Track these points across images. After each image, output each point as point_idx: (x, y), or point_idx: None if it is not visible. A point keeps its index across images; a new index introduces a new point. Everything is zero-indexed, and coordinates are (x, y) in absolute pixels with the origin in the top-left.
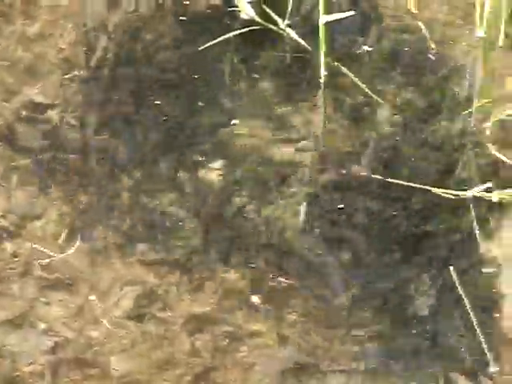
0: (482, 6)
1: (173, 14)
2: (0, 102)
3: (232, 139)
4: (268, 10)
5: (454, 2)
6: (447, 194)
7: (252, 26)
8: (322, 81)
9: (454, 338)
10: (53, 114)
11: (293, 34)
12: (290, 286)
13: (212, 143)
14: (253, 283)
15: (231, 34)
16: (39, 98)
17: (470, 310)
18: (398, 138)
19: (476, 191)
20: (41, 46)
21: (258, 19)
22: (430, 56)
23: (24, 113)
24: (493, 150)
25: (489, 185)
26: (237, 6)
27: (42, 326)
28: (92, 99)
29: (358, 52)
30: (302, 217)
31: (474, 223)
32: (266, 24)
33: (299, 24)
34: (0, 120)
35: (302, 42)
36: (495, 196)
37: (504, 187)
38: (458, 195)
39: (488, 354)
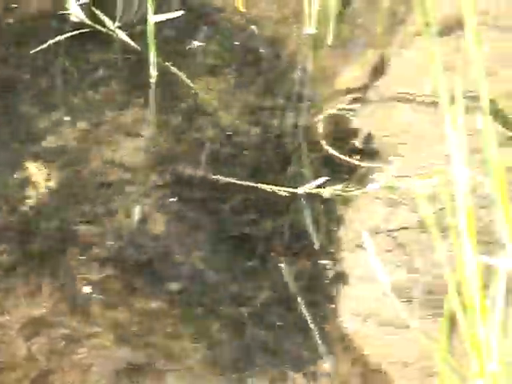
0: (311, 4)
1: (1, 18)
2: None
3: (65, 141)
4: (98, 12)
5: (283, 0)
6: (280, 190)
7: (83, 28)
8: (152, 81)
9: (290, 335)
10: None
11: (123, 35)
12: (126, 285)
13: (45, 147)
14: (90, 284)
15: (61, 37)
16: None
17: (303, 306)
18: (232, 137)
19: (308, 188)
20: None
21: (88, 22)
22: (261, 54)
23: None
24: (324, 145)
25: (321, 180)
26: (67, 9)
27: None
28: None
29: (188, 48)
30: (136, 217)
31: (307, 219)
32: (96, 26)
33: (130, 25)
34: None
35: (132, 43)
36: (327, 192)
37: (336, 182)
38: (290, 192)
39: (323, 349)
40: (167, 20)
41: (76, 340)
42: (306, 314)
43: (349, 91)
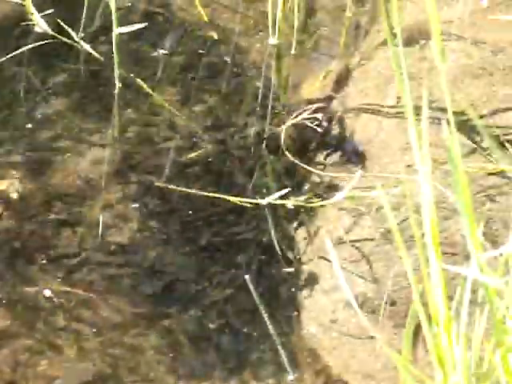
0: (274, 14)
1: None
2: None
3: (27, 151)
4: (62, 23)
5: (246, 10)
6: (244, 202)
7: (46, 39)
8: (116, 92)
9: (253, 346)
10: None
11: (86, 46)
12: (89, 299)
13: (6, 157)
14: (53, 295)
15: (25, 49)
16: None
17: (266, 317)
18: (195, 147)
19: (272, 198)
20: None
21: (51, 32)
22: (224, 64)
23: None
24: (288, 155)
25: (285, 191)
26: (31, 20)
27: None
28: None
29: (152, 59)
30: (100, 227)
31: (271, 230)
32: (59, 37)
33: (93, 36)
34: None
35: (96, 54)
36: (291, 202)
37: (300, 193)
38: (254, 203)
39: (286, 360)
40: (131, 31)
41: (40, 352)
42: (270, 325)
43: (312, 101)
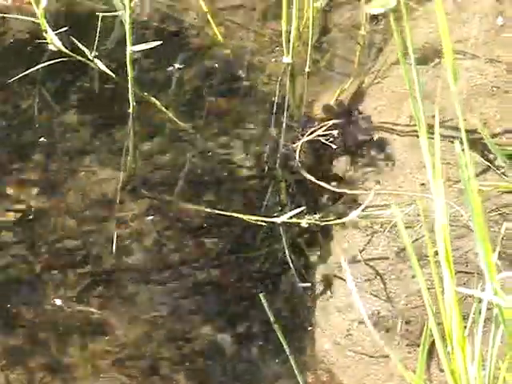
0: (288, 32)
1: None
2: None
3: (42, 170)
4: (76, 41)
5: (260, 29)
6: (258, 221)
7: (60, 57)
8: (130, 111)
9: (267, 365)
10: None
11: (101, 65)
12: (103, 317)
13: (23, 174)
14: (68, 313)
15: (39, 67)
16: None
17: (281, 336)
18: (210, 165)
19: (287, 217)
20: None
21: (66, 51)
22: (239, 82)
23: None
24: (303, 172)
25: (300, 210)
26: (45, 38)
27: None
28: None
29: (166, 77)
30: (114, 245)
31: (286, 249)
32: (74, 55)
33: (108, 55)
34: None
35: (110, 73)
36: (305, 222)
37: (315, 210)
38: (269, 222)
39: (301, 380)
40: (145, 49)
41: (54, 370)
42: (284, 343)
43: (327, 118)
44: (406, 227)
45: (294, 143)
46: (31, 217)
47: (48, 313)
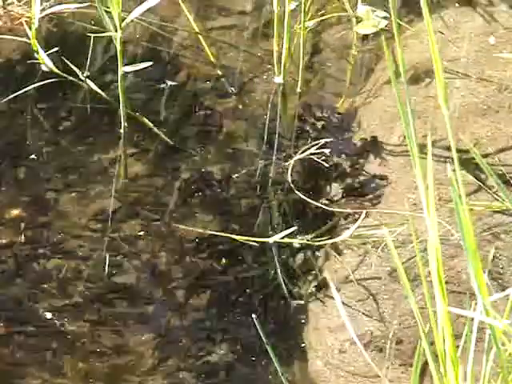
0: (280, 53)
1: None
2: None
3: (34, 190)
4: (67, 61)
5: (252, 49)
6: (250, 241)
7: (52, 77)
8: (121, 131)
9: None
10: None
11: (92, 84)
12: (97, 337)
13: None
14: (60, 336)
15: (31, 87)
16: None
17: (273, 356)
18: (201, 184)
19: (279, 237)
20: None
21: (57, 71)
22: (231, 102)
23: None
24: (295, 191)
25: (292, 230)
26: (37, 58)
27: None
28: None
29: (157, 97)
30: (106, 265)
31: (278, 268)
32: (65, 76)
33: (99, 75)
34: None
35: (102, 93)
36: (297, 241)
37: (307, 229)
38: (261, 241)
39: None
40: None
41: None
42: (276, 363)
43: (319, 137)
44: (398, 247)
45: (286, 161)
46: (20, 238)
47: (39, 331)
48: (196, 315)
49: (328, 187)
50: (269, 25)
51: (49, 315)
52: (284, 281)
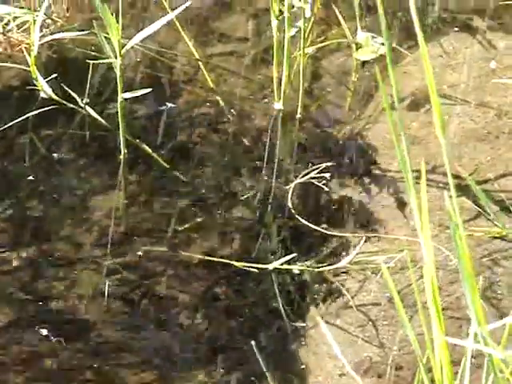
0: (279, 79)
1: None
2: None
3: (31, 218)
4: (67, 88)
5: (252, 75)
6: (249, 267)
7: (51, 104)
8: (121, 158)
9: None
10: None
11: (91, 111)
12: (95, 365)
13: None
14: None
15: (30, 114)
16: None
17: (272, 382)
18: (201, 211)
19: (278, 264)
20: None
21: (56, 98)
22: (231, 128)
23: None
24: (295, 216)
25: (291, 256)
26: (36, 85)
27: None
28: None
29: (157, 124)
30: (106, 293)
31: (277, 295)
32: (64, 103)
33: (99, 102)
34: None
35: (101, 120)
36: (297, 267)
37: (307, 254)
38: (260, 268)
39: None
40: (136, 96)
41: None
42: None
43: (319, 162)
44: (397, 273)
45: (286, 185)
46: (18, 263)
47: (38, 355)
48: (194, 341)
49: (328, 212)
50: (268, 51)
51: (48, 343)
52: (283, 307)
